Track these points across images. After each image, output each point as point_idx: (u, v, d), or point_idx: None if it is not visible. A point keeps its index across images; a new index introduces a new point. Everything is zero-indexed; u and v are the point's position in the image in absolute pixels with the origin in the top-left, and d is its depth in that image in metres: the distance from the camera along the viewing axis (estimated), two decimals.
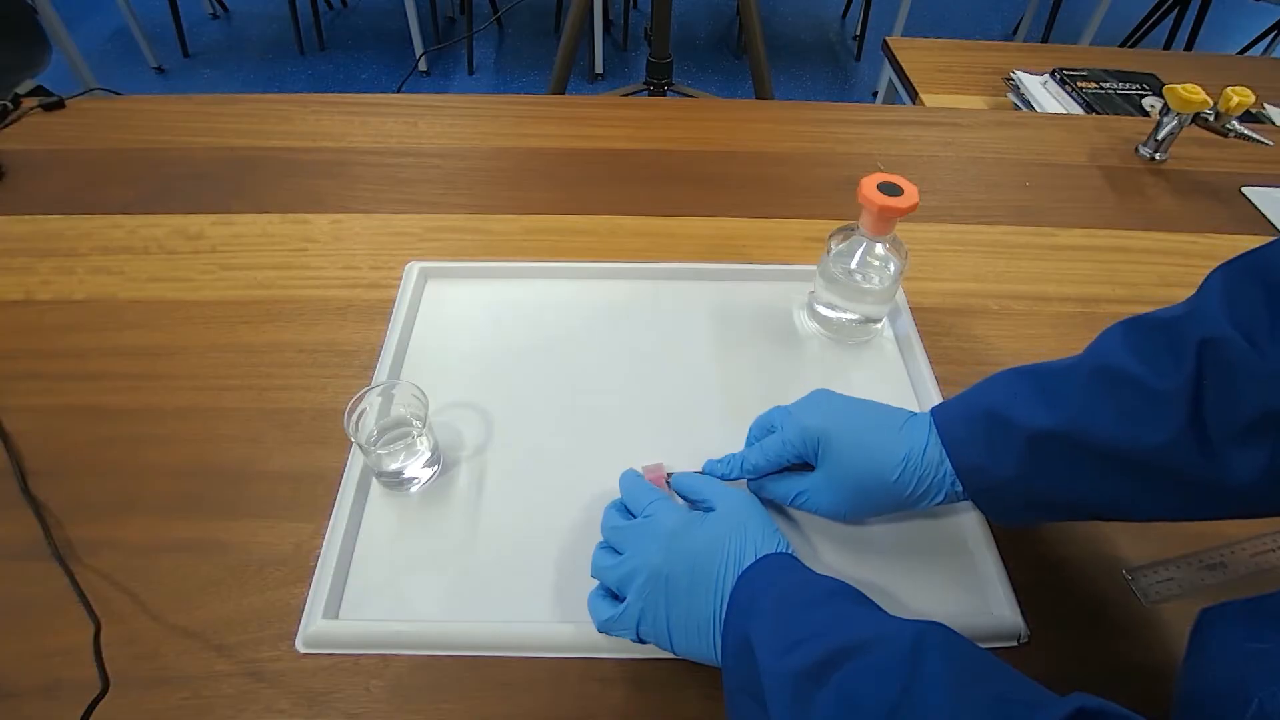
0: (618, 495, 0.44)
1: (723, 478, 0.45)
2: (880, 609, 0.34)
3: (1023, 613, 0.42)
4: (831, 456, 0.42)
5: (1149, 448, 0.34)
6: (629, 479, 0.44)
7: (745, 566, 0.36)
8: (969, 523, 0.46)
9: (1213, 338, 0.32)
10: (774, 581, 0.35)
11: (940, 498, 0.40)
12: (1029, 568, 0.44)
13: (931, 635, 0.29)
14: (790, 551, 0.38)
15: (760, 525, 0.38)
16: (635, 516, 0.41)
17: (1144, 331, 0.36)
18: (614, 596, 0.39)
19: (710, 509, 0.40)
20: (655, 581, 0.36)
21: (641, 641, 0.38)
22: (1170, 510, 0.36)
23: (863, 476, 0.41)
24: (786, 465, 0.44)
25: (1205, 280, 0.35)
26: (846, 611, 0.33)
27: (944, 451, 0.40)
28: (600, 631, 0.38)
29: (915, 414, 0.43)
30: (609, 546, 0.40)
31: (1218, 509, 0.35)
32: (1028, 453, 0.37)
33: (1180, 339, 0.34)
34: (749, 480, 0.46)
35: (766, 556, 0.36)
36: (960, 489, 0.40)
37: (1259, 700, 0.24)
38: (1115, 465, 0.35)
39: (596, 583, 0.40)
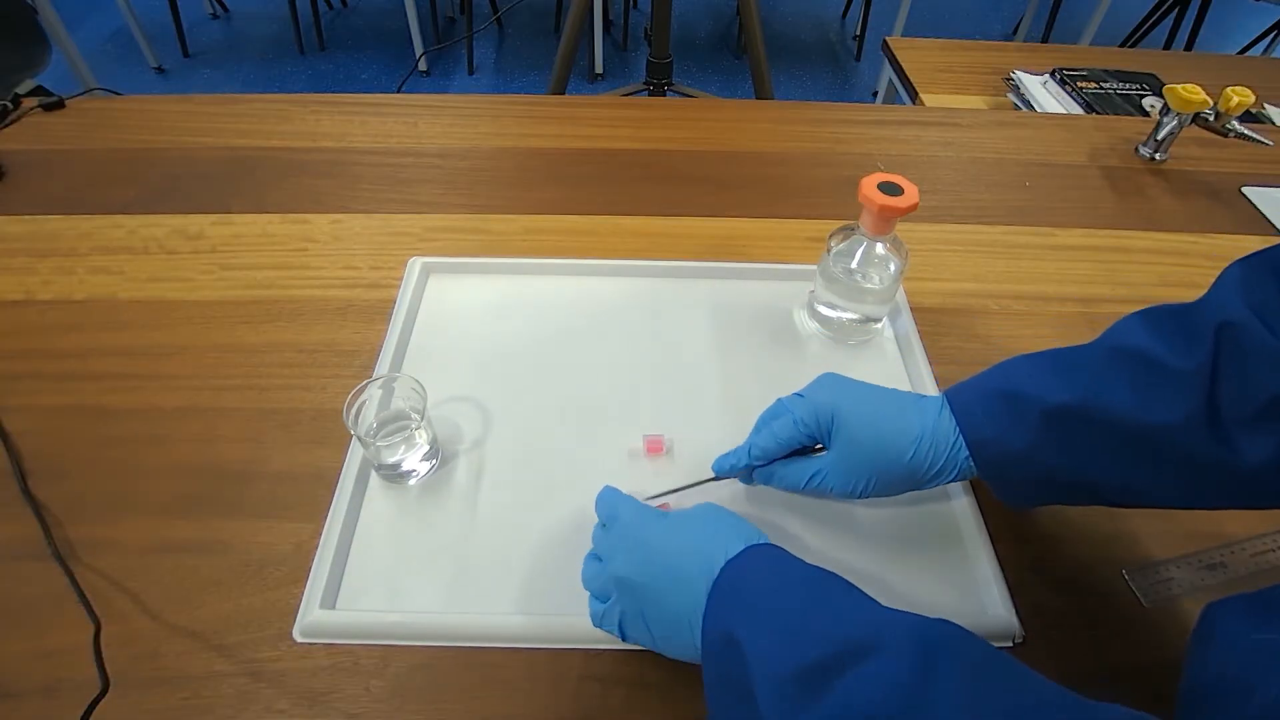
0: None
1: (731, 469, 0.45)
2: (876, 602, 0.32)
3: (1018, 613, 0.42)
4: (845, 434, 0.41)
5: (1161, 426, 0.34)
6: (602, 492, 0.42)
7: (715, 560, 0.34)
8: (965, 524, 0.46)
9: (1231, 322, 0.33)
10: (759, 575, 0.34)
11: (953, 475, 0.41)
12: (1028, 568, 0.44)
13: (940, 646, 0.27)
14: (767, 542, 0.37)
15: (727, 520, 0.37)
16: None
17: (1162, 316, 0.37)
18: None
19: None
20: (628, 586, 0.36)
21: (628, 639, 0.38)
22: (1178, 495, 0.36)
23: (877, 454, 0.41)
24: (796, 449, 0.44)
25: (1223, 272, 0.36)
26: (841, 606, 0.32)
27: (957, 428, 0.40)
28: (595, 625, 0.39)
29: (924, 395, 0.43)
30: (595, 555, 0.40)
31: (1225, 496, 0.35)
32: (1042, 427, 0.37)
33: (1198, 323, 0.34)
34: (757, 470, 0.45)
35: (753, 547, 0.35)
36: (972, 466, 0.40)
37: (1268, 689, 0.24)
38: (1127, 444, 0.35)
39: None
